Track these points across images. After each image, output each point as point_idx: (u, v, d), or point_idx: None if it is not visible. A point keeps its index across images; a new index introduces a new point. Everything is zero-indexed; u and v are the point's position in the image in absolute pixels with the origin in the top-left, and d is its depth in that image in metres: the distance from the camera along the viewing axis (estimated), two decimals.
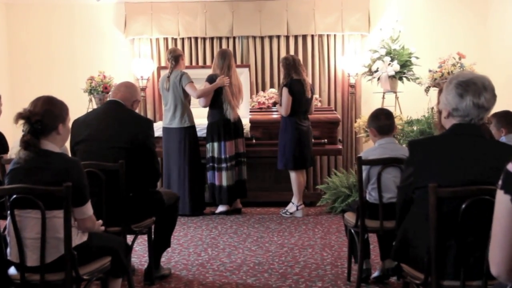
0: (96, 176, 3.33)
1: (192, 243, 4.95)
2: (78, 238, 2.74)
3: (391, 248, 3.64)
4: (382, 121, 3.63)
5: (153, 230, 3.87)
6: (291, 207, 6.01)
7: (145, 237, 3.96)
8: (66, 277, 2.63)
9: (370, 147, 3.85)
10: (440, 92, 3.42)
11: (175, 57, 5.91)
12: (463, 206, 2.30)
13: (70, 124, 2.90)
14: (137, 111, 3.83)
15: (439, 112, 2.87)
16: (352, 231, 3.68)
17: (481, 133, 2.43)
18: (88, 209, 2.77)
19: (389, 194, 3.49)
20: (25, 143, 2.61)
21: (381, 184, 3.45)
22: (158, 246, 3.90)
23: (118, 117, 3.57)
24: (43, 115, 2.63)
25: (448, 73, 6.00)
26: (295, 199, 5.98)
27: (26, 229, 2.62)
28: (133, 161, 3.46)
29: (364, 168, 3.52)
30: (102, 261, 2.85)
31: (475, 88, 2.37)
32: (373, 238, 4.05)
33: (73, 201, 2.60)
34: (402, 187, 2.55)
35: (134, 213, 3.51)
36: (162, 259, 4.17)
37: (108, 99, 3.75)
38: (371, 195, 3.59)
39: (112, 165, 3.37)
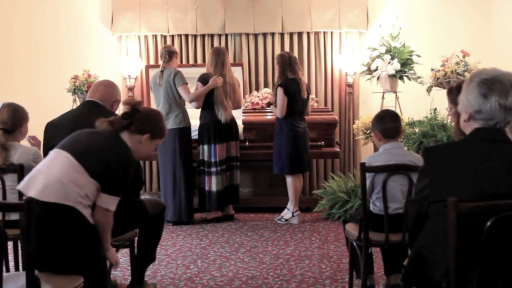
0: None
1: (181, 254, 4.62)
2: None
3: (397, 263, 3.36)
4: (388, 124, 3.31)
5: (136, 243, 3.53)
6: (286, 214, 5.69)
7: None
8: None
9: (375, 153, 3.53)
10: (450, 92, 3.13)
11: (169, 52, 5.61)
12: (488, 223, 1.99)
13: None
14: (117, 112, 3.49)
15: (457, 115, 2.56)
16: (354, 244, 3.36)
17: (508, 138, 2.11)
18: (112, 203, 2.71)
19: (395, 205, 3.18)
20: None
21: (386, 193, 3.13)
22: (142, 260, 3.56)
23: (95, 120, 3.22)
24: None
25: (452, 72, 5.70)
26: (290, 205, 5.67)
27: (54, 165, 2.64)
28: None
29: (368, 176, 3.20)
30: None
31: (501, 86, 2.06)
32: (375, 248, 3.72)
33: (104, 185, 2.64)
34: (415, 200, 2.23)
35: (114, 225, 3.17)
36: (148, 272, 3.84)
37: (86, 99, 3.40)
38: (375, 205, 3.27)
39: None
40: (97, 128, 2.81)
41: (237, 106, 5.79)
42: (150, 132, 2.86)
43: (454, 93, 2.89)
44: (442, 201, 2.05)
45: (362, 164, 3.15)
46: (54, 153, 2.72)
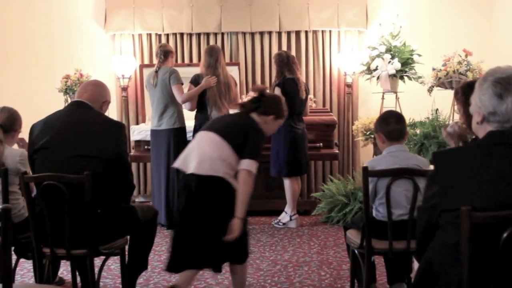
0: (58, 190, 2.86)
1: None
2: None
3: (400, 272, 3.22)
4: (392, 126, 3.14)
5: (127, 251, 3.37)
6: (284, 217, 5.54)
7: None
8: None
9: (377, 156, 3.36)
10: (456, 94, 2.99)
11: (165, 52, 5.43)
12: (505, 234, 1.83)
13: None
14: (106, 113, 3.33)
15: (466, 115, 2.41)
16: (356, 252, 3.20)
17: None
18: (253, 166, 3.06)
19: (399, 211, 3.02)
20: None
21: (390, 198, 2.98)
22: (133, 269, 3.39)
23: (84, 121, 3.07)
24: None
25: (454, 71, 5.55)
26: (288, 209, 5.51)
27: (203, 144, 3.11)
28: (101, 172, 2.97)
29: (371, 180, 3.03)
30: None
31: None
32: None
33: (244, 152, 3.03)
34: (425, 209, 2.06)
35: (102, 232, 3.02)
36: (140, 280, 3.69)
37: (74, 99, 3.22)
38: (378, 212, 3.11)
39: (77, 177, 2.88)
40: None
41: (233, 104, 5.63)
42: (275, 113, 3.25)
43: (465, 92, 2.74)
44: (454, 210, 1.89)
45: (365, 168, 2.99)
46: (201, 134, 3.20)
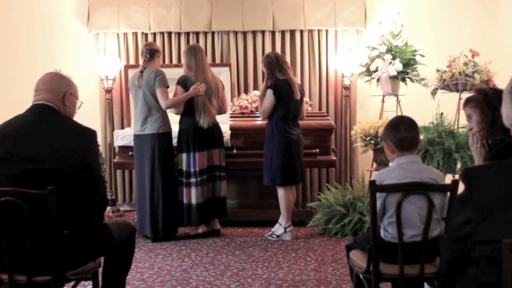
0: (17, 208, 2.46)
1: (158, 279, 4.06)
2: None
3: None
4: (403, 133, 2.76)
5: (101, 274, 2.98)
6: (278, 229, 5.15)
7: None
8: None
9: (386, 168, 2.98)
10: (467, 103, 2.67)
11: (151, 51, 5.05)
12: None
13: None
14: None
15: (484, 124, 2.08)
16: (361, 277, 2.82)
17: None
18: None
19: (411, 231, 2.65)
20: None
21: (401, 217, 2.60)
22: None
23: (47, 128, 2.65)
24: None
25: (460, 73, 5.20)
26: (282, 220, 5.13)
27: None
28: (68, 187, 2.57)
29: (379, 196, 2.65)
30: None
31: None
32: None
33: None
34: (454, 239, 1.69)
35: (70, 255, 2.62)
36: None
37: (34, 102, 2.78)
38: (387, 232, 2.73)
39: (39, 193, 2.48)
40: None
41: (222, 110, 5.27)
42: None
43: (486, 98, 2.41)
44: (494, 242, 1.52)
45: (372, 183, 2.61)
46: None
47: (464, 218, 1.64)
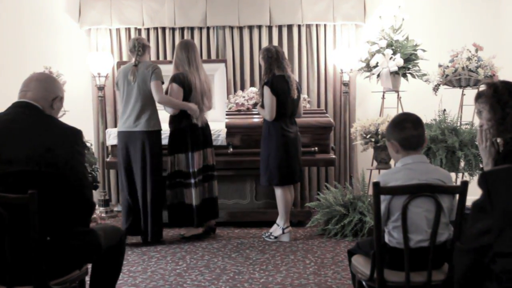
0: None
1: (152, 283, 3.89)
2: None
3: None
4: (408, 131, 2.60)
5: (88, 283, 2.81)
6: (276, 230, 5.00)
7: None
8: None
9: (391, 169, 2.81)
10: (478, 98, 2.50)
11: (144, 45, 4.88)
12: None
13: None
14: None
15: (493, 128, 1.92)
16: (364, 284, 2.65)
17: None
18: None
19: (418, 236, 2.49)
20: None
21: (407, 221, 2.44)
22: None
23: (28, 127, 2.49)
24: None
25: (463, 68, 5.05)
26: (280, 221, 4.97)
27: None
28: (51, 190, 2.40)
29: (383, 199, 2.49)
30: None
31: None
32: None
33: None
34: (470, 251, 1.52)
35: (53, 264, 2.46)
36: None
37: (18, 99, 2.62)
38: (392, 237, 2.57)
39: (19, 197, 2.32)
40: None
41: (210, 107, 5.17)
42: None
43: (496, 94, 2.25)
44: None
45: (376, 184, 2.44)
46: None
47: (482, 227, 1.47)
